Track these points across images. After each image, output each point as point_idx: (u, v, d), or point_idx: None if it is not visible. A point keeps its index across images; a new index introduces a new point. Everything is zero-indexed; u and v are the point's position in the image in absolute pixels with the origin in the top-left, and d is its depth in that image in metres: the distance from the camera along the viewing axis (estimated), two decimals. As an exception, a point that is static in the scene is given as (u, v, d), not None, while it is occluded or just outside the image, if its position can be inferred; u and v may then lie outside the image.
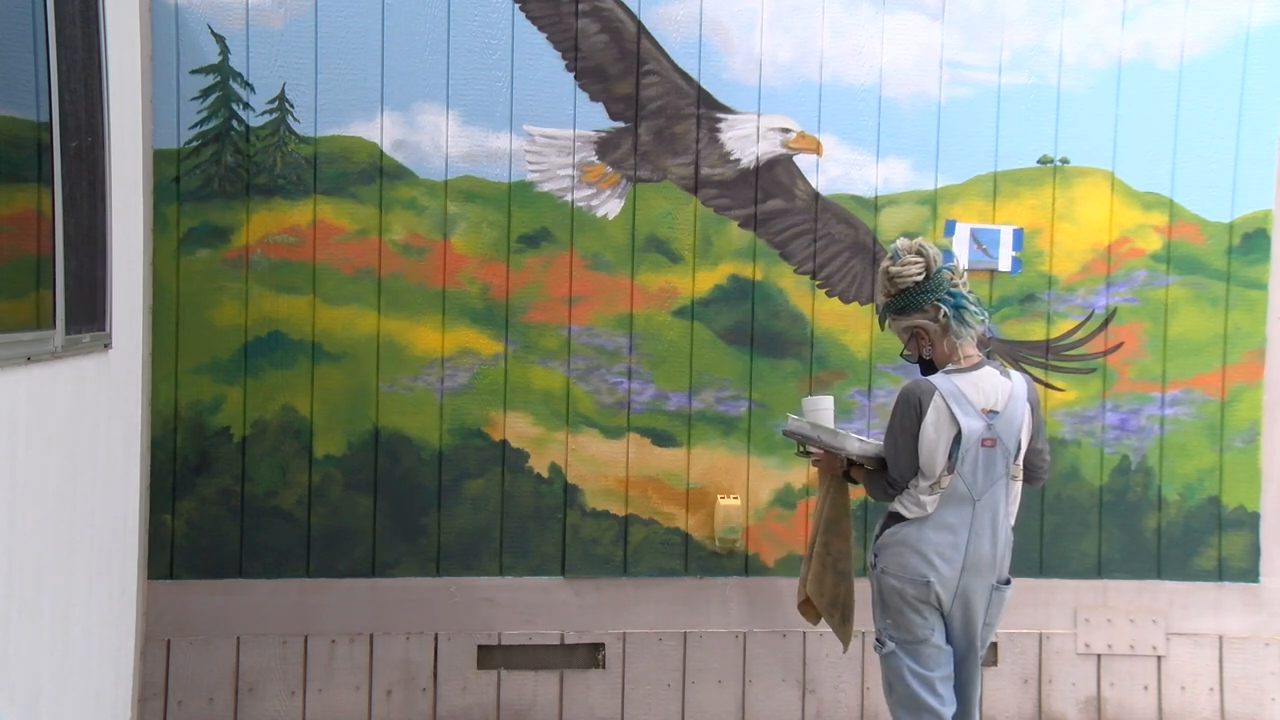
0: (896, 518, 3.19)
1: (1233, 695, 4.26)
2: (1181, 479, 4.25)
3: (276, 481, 3.89)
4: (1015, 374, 3.21)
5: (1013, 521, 3.22)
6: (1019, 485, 3.20)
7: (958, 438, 3.07)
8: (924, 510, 3.12)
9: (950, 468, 3.09)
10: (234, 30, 3.81)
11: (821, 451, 3.44)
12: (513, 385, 3.98)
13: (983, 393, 3.11)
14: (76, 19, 2.86)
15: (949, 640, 3.21)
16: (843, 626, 3.54)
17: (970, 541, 3.11)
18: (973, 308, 3.17)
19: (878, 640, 3.28)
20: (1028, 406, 3.16)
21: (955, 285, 3.17)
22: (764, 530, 4.10)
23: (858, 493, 3.61)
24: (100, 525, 3.15)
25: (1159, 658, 4.26)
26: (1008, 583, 3.22)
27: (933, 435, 3.08)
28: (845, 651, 3.71)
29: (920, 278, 3.17)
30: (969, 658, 3.23)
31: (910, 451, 3.12)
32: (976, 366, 3.16)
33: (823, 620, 3.63)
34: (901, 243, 3.26)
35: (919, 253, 3.20)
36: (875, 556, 3.23)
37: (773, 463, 4.08)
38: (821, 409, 3.49)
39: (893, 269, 3.21)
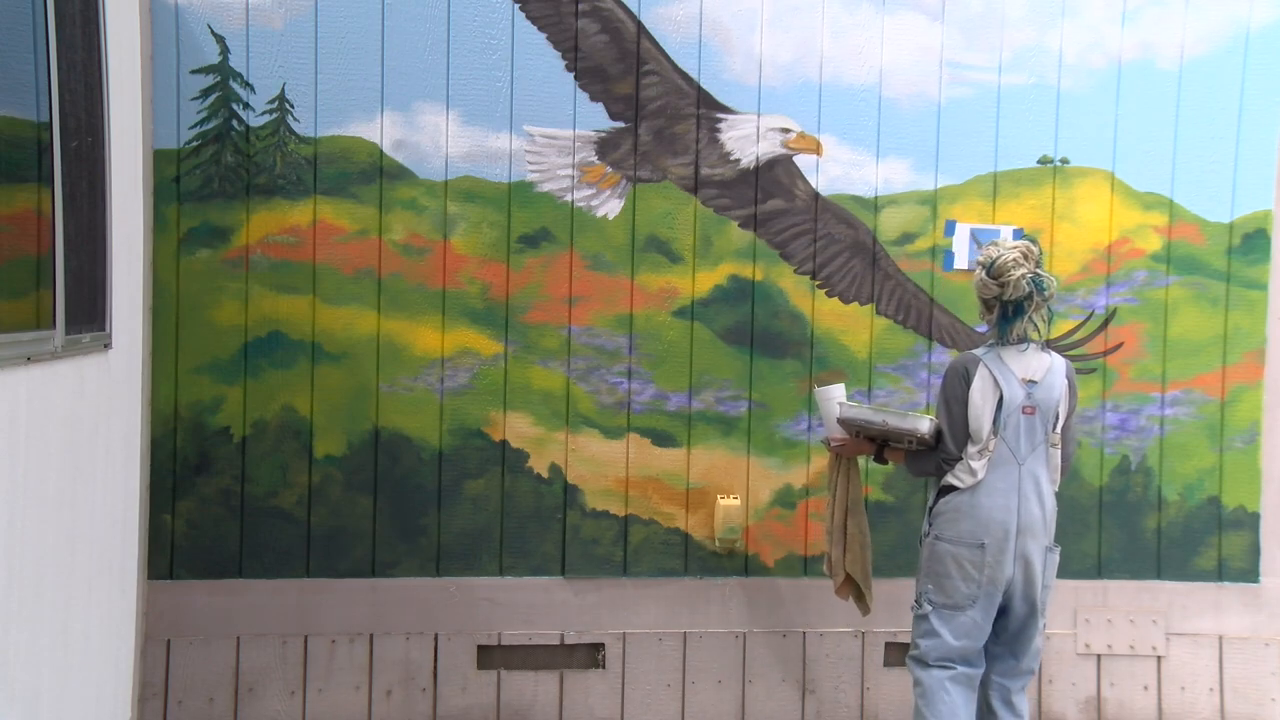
0: (949, 489, 3.41)
1: (1232, 695, 4.26)
2: (1181, 479, 4.25)
3: (276, 481, 3.89)
4: (1055, 354, 3.47)
5: (1055, 488, 3.44)
6: (1058, 454, 3.42)
7: (1000, 403, 3.33)
8: (975, 477, 3.36)
9: (995, 431, 3.34)
10: (234, 30, 3.81)
11: (844, 437, 3.62)
12: (513, 385, 3.98)
13: (1023, 364, 3.38)
14: (76, 19, 2.86)
15: (1011, 607, 3.40)
16: (870, 593, 3.76)
17: (1020, 505, 3.35)
18: (1016, 335, 3.39)
19: (916, 601, 3.47)
20: (1065, 382, 3.42)
21: (1024, 305, 3.37)
22: (764, 530, 4.10)
23: None
24: (100, 525, 3.15)
25: (1159, 658, 4.26)
26: (1056, 547, 3.45)
27: (979, 400, 3.35)
28: (868, 614, 3.83)
29: (997, 291, 3.38)
30: (1030, 621, 3.42)
31: (963, 419, 3.37)
32: (1020, 343, 3.40)
33: (850, 599, 3.80)
34: (1011, 256, 3.36)
35: (1016, 278, 3.34)
36: (929, 526, 3.45)
37: (773, 463, 4.08)
38: (835, 397, 3.65)
39: (990, 272, 3.38)
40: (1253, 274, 4.25)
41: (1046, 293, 3.37)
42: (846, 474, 3.71)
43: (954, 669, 3.38)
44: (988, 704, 3.47)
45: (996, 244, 3.44)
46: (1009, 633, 3.44)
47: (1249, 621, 4.28)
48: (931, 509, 3.45)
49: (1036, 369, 3.38)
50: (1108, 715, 4.24)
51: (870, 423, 3.53)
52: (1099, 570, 4.24)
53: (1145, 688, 4.25)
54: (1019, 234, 4.16)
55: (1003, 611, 3.42)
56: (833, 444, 3.69)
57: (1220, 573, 4.27)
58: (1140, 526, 4.25)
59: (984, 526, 3.33)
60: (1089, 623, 4.23)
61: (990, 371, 3.36)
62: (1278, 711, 4.26)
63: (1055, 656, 4.22)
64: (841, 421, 3.61)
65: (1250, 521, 4.27)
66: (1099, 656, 4.24)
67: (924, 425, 3.44)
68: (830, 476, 3.76)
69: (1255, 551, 4.27)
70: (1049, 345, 4.17)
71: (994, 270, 3.36)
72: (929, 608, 3.41)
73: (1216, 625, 4.27)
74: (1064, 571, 4.20)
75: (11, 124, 2.48)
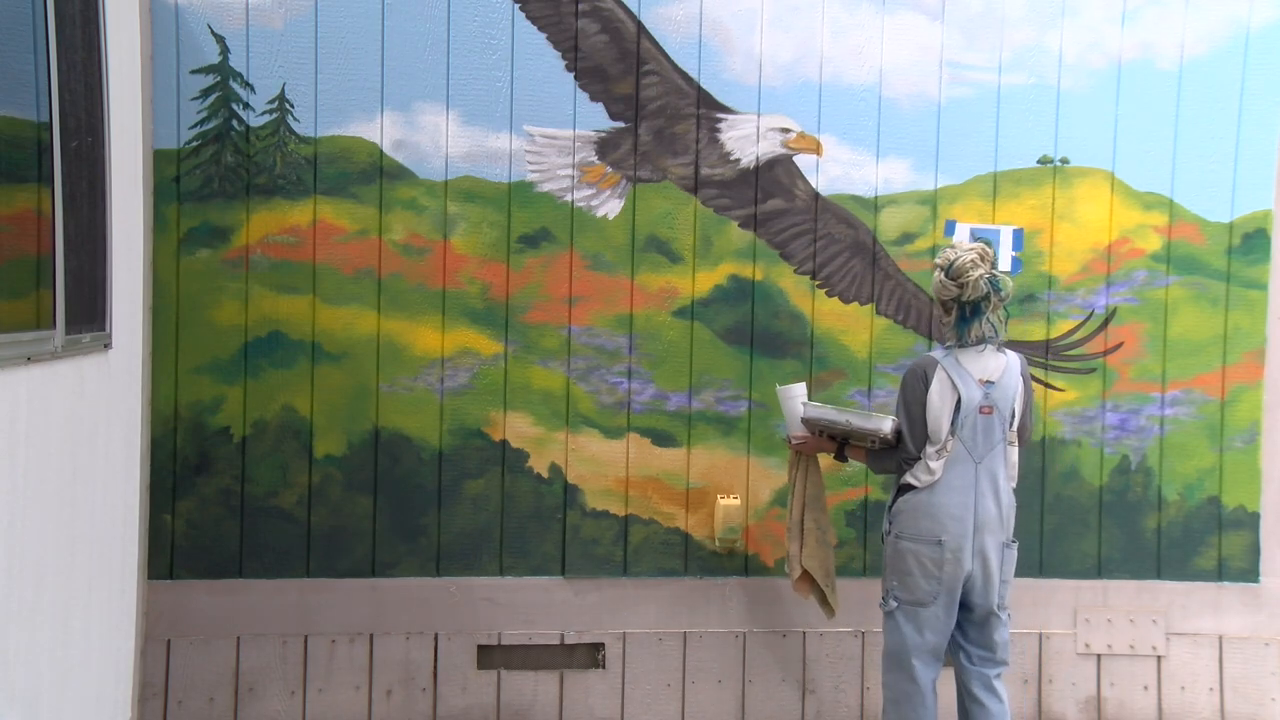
0: (908, 487, 3.48)
1: (1233, 695, 4.26)
2: (1181, 479, 4.25)
3: (276, 481, 3.89)
4: (1011, 352, 3.52)
5: (1013, 485, 3.52)
6: (1015, 451, 3.50)
7: (958, 405, 3.39)
8: (933, 476, 3.42)
9: (953, 431, 3.40)
10: (234, 30, 3.81)
11: (805, 435, 3.70)
12: (513, 385, 3.98)
13: (980, 365, 3.44)
14: (76, 19, 2.86)
15: (971, 602, 3.48)
16: (834, 594, 3.81)
17: (977, 502, 3.42)
18: (974, 336, 3.44)
19: (883, 599, 3.53)
20: (1021, 380, 3.49)
21: (982, 306, 3.42)
22: (764, 530, 4.10)
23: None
24: (100, 525, 3.15)
25: (1159, 658, 4.26)
26: (1014, 542, 3.53)
27: (938, 402, 3.41)
28: (834, 616, 3.87)
29: (956, 293, 3.44)
30: (992, 617, 3.49)
31: (922, 420, 3.44)
32: (978, 345, 3.45)
33: (811, 597, 3.85)
34: (969, 258, 3.43)
35: (971, 279, 3.41)
36: (890, 524, 3.52)
37: (773, 463, 4.08)
38: (798, 396, 3.73)
39: (949, 274, 3.45)
40: (1253, 274, 4.25)
41: (1003, 293, 3.44)
42: (806, 471, 3.78)
43: (918, 683, 3.47)
44: (970, 692, 3.53)
45: (954, 246, 3.51)
46: (974, 627, 3.51)
47: (1249, 621, 4.28)
48: (891, 507, 3.53)
49: (994, 369, 3.44)
50: (1108, 715, 4.24)
51: (834, 423, 3.61)
52: (1099, 570, 4.24)
53: (1145, 688, 4.25)
54: (1020, 234, 4.16)
55: (965, 607, 3.49)
56: (794, 442, 3.76)
57: (1220, 573, 4.27)
58: (1140, 526, 4.25)
59: (941, 524, 3.40)
60: (1089, 622, 4.23)
61: (948, 374, 3.42)
62: (1278, 711, 4.26)
63: (1055, 656, 4.22)
64: (806, 421, 3.68)
65: (1250, 521, 4.27)
66: (1099, 656, 4.24)
67: (886, 425, 3.51)
68: (791, 474, 3.83)
69: (1255, 551, 4.27)
70: (1049, 345, 4.20)
71: (952, 271, 3.43)
72: (895, 604, 3.49)
73: (1216, 625, 4.27)
74: (1064, 571, 4.22)
75: (11, 124, 2.48)
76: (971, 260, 3.40)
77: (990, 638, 3.50)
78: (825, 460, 3.83)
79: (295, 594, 3.90)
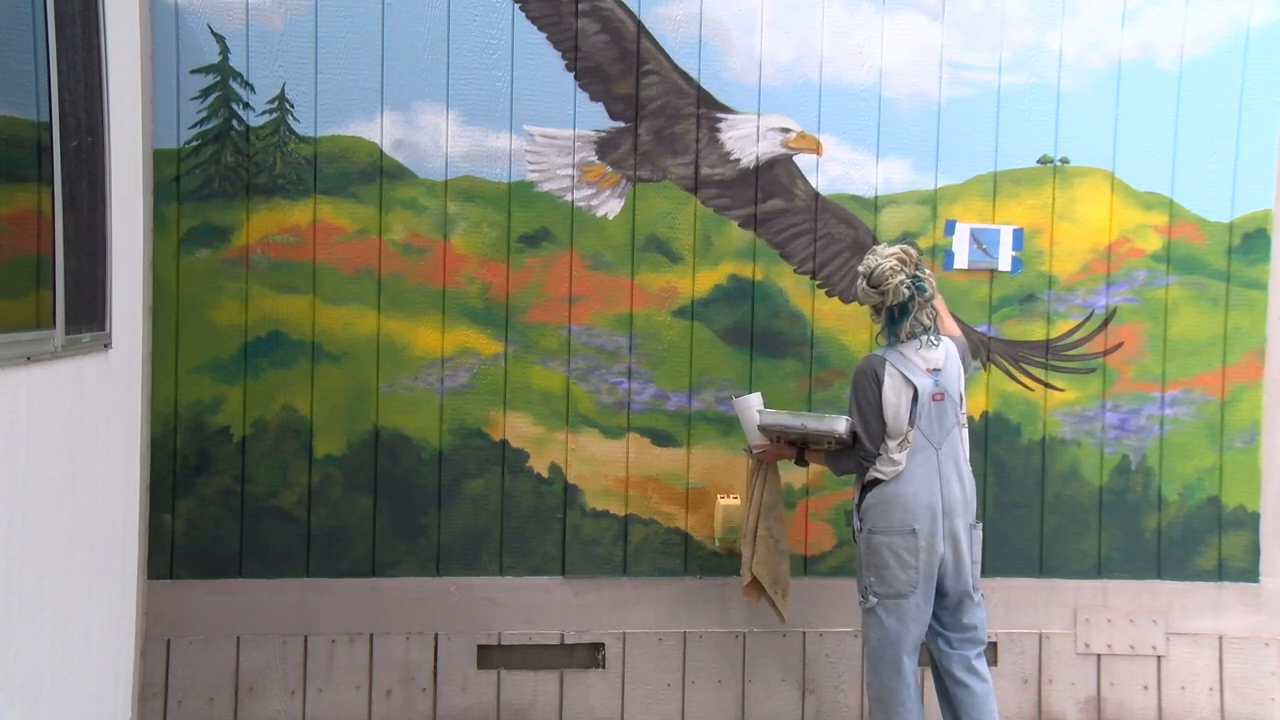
0: (875, 482, 3.53)
1: (1232, 695, 4.26)
2: (1181, 479, 4.25)
3: (276, 481, 3.89)
4: (944, 338, 3.59)
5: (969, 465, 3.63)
6: (966, 432, 3.61)
7: (915, 396, 3.47)
8: (898, 467, 3.49)
9: (912, 423, 3.48)
10: (234, 30, 3.81)
11: (765, 443, 3.76)
12: (513, 385, 3.98)
13: (924, 356, 3.53)
14: (76, 19, 2.86)
15: (945, 587, 3.53)
16: (783, 600, 3.87)
17: (943, 486, 3.50)
18: (905, 334, 3.51)
19: (861, 595, 3.58)
20: (959, 361, 3.59)
21: (909, 307, 3.51)
22: (764, 530, 4.10)
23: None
24: (100, 525, 3.15)
25: (1159, 658, 4.26)
26: (979, 524, 3.61)
27: (893, 398, 3.48)
28: (785, 621, 3.94)
29: (879, 299, 3.53)
30: (965, 598, 3.55)
31: (878, 419, 3.50)
32: (912, 339, 3.53)
33: (761, 601, 3.91)
34: (888, 265, 3.49)
35: (897, 280, 3.48)
36: (860, 521, 3.58)
37: (773, 463, 4.08)
38: (754, 405, 3.79)
39: (870, 281, 3.52)
40: (1253, 274, 4.25)
41: (927, 294, 3.51)
42: (764, 479, 3.84)
43: (904, 677, 3.51)
44: (952, 675, 3.57)
45: (875, 251, 3.56)
46: (948, 612, 3.57)
47: (1249, 621, 4.28)
48: (859, 505, 3.58)
49: (937, 357, 3.53)
50: (1108, 715, 4.24)
51: (790, 427, 3.68)
52: (1099, 570, 4.24)
53: (1145, 687, 4.25)
54: (1020, 234, 4.16)
55: (939, 593, 3.54)
56: (754, 451, 3.82)
57: (1220, 573, 4.27)
58: (1140, 526, 4.25)
59: (912, 513, 3.46)
60: (1089, 622, 4.23)
61: (898, 369, 3.49)
62: (1278, 711, 4.26)
63: (1055, 656, 4.22)
64: (762, 428, 3.76)
65: (1250, 521, 4.27)
66: (1099, 656, 4.24)
67: (841, 425, 3.59)
68: (749, 482, 3.88)
69: (1255, 551, 4.27)
70: (1049, 345, 4.20)
71: (873, 279, 3.51)
72: (874, 600, 3.52)
73: (1216, 625, 4.27)
74: (1064, 571, 4.22)
75: (11, 124, 2.49)
76: (891, 268, 3.46)
77: (966, 620, 3.56)
78: (799, 474, 3.87)
79: (295, 594, 3.90)
